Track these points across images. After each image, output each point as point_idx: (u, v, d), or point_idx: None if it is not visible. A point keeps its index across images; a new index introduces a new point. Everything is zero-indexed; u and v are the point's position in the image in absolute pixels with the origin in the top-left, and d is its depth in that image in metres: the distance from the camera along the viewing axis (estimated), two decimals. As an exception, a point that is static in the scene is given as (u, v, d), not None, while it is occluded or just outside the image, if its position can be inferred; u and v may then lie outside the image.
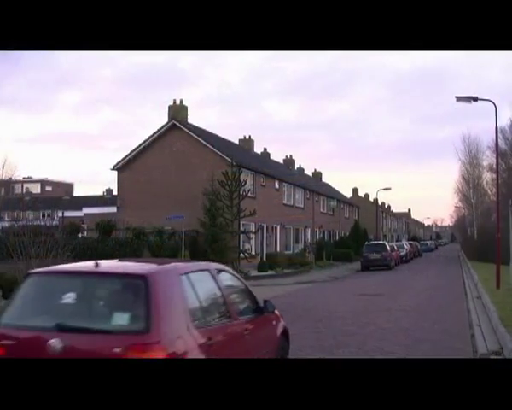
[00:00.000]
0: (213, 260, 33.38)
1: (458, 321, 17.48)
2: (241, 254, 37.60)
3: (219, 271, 8.42)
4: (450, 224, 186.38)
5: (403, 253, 61.47)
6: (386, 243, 55.61)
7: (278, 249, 49.26)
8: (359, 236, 67.78)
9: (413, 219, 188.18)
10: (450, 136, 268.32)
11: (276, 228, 50.04)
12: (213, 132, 48.56)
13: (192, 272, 7.56)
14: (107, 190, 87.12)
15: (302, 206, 58.28)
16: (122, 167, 43.27)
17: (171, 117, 42.21)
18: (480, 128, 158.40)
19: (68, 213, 61.31)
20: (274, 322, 9.56)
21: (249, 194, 40.38)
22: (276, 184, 50.70)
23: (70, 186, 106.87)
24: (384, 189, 78.04)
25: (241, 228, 39.71)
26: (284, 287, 30.23)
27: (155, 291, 6.33)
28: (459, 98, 27.79)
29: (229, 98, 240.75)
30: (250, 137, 56.87)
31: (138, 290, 6.38)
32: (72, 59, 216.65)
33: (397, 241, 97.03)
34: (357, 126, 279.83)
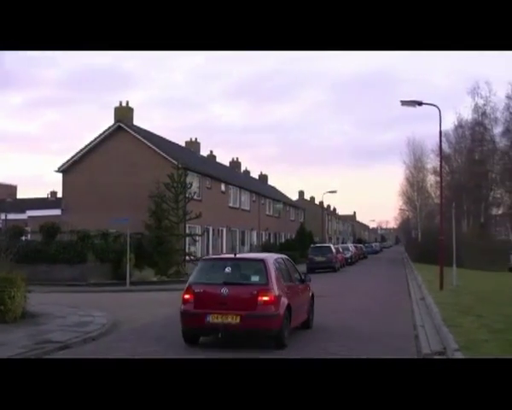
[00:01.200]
0: (158, 263, 33.13)
1: (402, 322, 17.68)
2: (187, 257, 37.49)
3: (286, 259, 16.34)
4: (395, 226, 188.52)
5: (348, 255, 61.90)
6: (332, 246, 55.87)
7: (224, 252, 49.12)
8: (305, 238, 68.11)
9: (358, 222, 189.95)
10: (395, 139, 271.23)
11: (221, 231, 49.98)
12: (159, 134, 48.38)
13: (277, 258, 15.30)
14: (51, 192, 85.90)
15: (248, 209, 58.31)
16: (67, 169, 42.76)
17: (116, 119, 41.86)
18: (425, 132, 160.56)
19: (11, 216, 60.11)
20: (308, 288, 17.16)
21: (195, 196, 40.25)
22: (223, 187, 50.64)
23: (13, 188, 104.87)
24: (329, 192, 78.68)
25: (187, 231, 39.60)
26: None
27: (268, 266, 13.64)
28: (404, 102, 28.16)
29: (175, 100, 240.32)
30: (196, 139, 56.84)
31: (260, 266, 13.81)
32: (14, 59, 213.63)
33: (342, 243, 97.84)
34: (303, 129, 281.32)
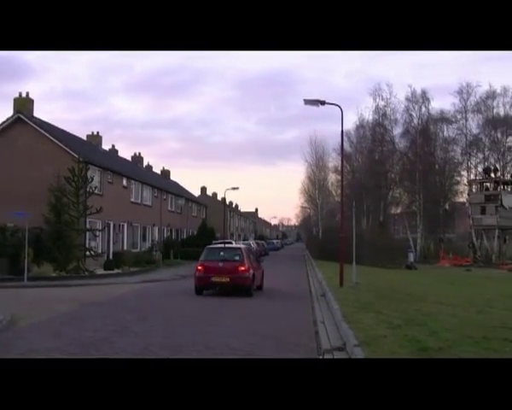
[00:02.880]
0: (57, 258, 32.39)
1: (303, 318, 17.93)
2: (87, 253, 36.92)
3: (250, 248, 32.49)
4: (297, 223, 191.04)
5: (249, 252, 61.95)
6: (234, 242, 55.99)
7: (125, 248, 48.69)
8: (207, 234, 68.03)
9: (260, 219, 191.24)
10: (297, 138, 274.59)
11: (123, 226, 49.44)
12: (60, 127, 47.38)
13: (246, 247, 28.89)
14: None
15: (150, 204, 57.84)
16: (-38, 161, 41.37)
17: (16, 110, 40.75)
18: (327, 131, 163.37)
19: None
20: (261, 266, 29.07)
21: (96, 191, 39.67)
22: (124, 182, 50.08)
23: None
24: (232, 188, 78.84)
25: (87, 226, 38.98)
26: (131, 285, 29.98)
27: (242, 251, 25.96)
28: (307, 101, 28.53)
29: (77, 93, 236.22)
30: (98, 133, 55.95)
31: (239, 251, 26.05)
32: None
33: (244, 240, 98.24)
34: (206, 125, 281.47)
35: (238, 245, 29.74)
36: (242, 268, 24.85)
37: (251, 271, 25.23)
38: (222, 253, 26.02)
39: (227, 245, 27.82)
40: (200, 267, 25.25)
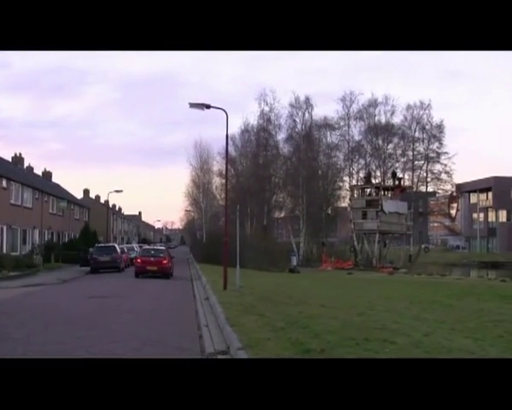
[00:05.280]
0: None
1: (187, 322, 17.85)
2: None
3: (168, 249, 53.70)
4: (181, 227, 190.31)
5: (133, 255, 61.47)
6: (117, 246, 55.51)
7: (4, 251, 47.25)
8: (89, 238, 66.98)
9: (144, 222, 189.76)
10: (182, 141, 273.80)
11: (2, 229, 47.97)
12: None
13: (167, 248, 53.51)
14: None
15: (31, 206, 56.38)
16: None
17: None
18: (212, 135, 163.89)
19: None
20: (173, 261, 45.23)
21: (-26, 192, 38.40)
22: (4, 183, 48.62)
23: None
24: (115, 191, 77.99)
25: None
26: (10, 290, 29.06)
27: (165, 251, 45.61)
28: (192, 105, 28.47)
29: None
30: (-24, 132, 54.15)
31: (163, 250, 46.10)
32: None
33: (127, 243, 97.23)
34: (88, 127, 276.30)
35: (162, 247, 52.59)
36: (165, 261, 40.53)
37: (170, 264, 41.38)
38: (152, 251, 43.55)
39: (155, 247, 51.08)
40: (139, 260, 41.20)
